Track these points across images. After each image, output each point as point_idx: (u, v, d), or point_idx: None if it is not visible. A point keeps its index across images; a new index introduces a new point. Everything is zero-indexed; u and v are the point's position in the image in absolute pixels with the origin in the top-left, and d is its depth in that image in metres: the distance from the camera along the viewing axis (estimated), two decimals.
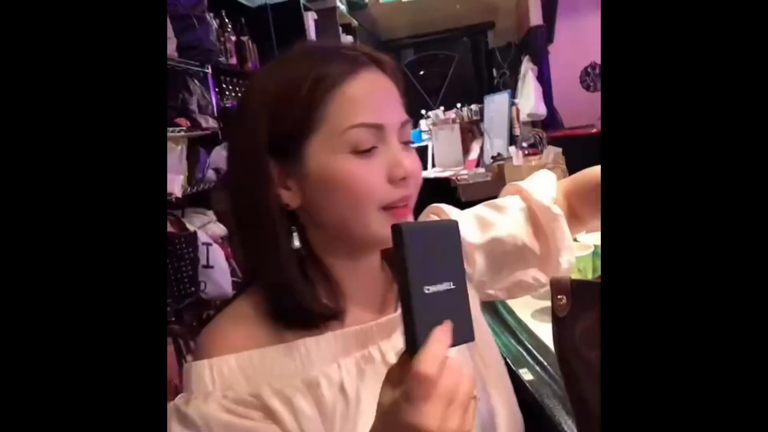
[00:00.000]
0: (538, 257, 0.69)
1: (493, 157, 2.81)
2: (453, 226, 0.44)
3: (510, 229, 0.69)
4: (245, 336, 0.55)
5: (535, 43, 3.87)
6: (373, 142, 0.54)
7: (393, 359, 0.57)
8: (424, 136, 3.53)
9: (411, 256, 0.40)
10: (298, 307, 0.55)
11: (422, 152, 3.53)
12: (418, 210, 0.68)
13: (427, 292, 0.41)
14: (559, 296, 0.49)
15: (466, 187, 2.87)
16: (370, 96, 0.54)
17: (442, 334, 0.41)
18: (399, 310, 0.42)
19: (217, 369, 0.53)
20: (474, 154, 3.23)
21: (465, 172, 3.06)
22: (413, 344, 0.40)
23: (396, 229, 0.41)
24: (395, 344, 0.59)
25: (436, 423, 0.39)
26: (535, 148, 1.96)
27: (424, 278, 0.41)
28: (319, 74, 0.53)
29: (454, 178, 3.00)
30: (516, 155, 1.70)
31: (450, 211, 0.74)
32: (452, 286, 0.42)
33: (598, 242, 1.00)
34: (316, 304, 0.55)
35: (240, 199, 0.57)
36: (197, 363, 0.53)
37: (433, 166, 3.45)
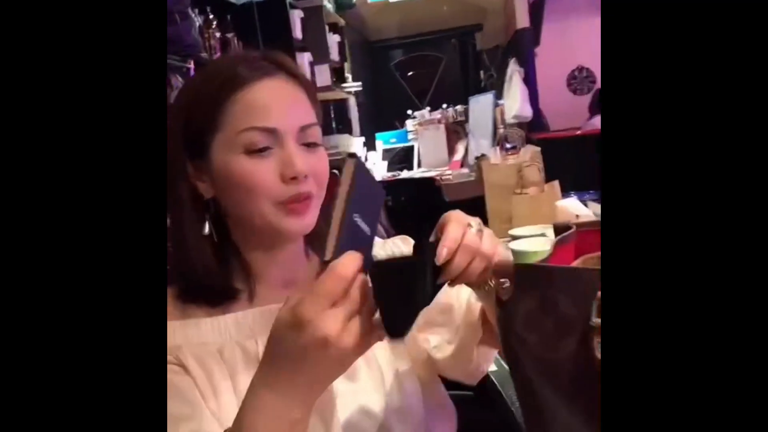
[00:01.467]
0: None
1: (477, 158, 2.82)
2: (381, 195, 0.52)
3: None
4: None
5: (522, 46, 3.89)
6: (267, 143, 0.59)
7: None
8: (410, 136, 3.54)
9: (356, 186, 0.46)
10: (198, 286, 0.61)
11: (408, 152, 3.54)
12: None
13: (354, 219, 0.46)
14: (502, 280, 0.49)
15: (450, 187, 2.89)
16: (267, 102, 0.60)
17: (355, 255, 0.45)
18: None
19: None
20: (459, 155, 3.25)
21: (449, 172, 3.07)
22: (335, 252, 0.45)
23: (350, 162, 0.46)
24: None
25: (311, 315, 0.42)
26: (514, 148, 1.97)
27: (356, 208, 0.46)
28: (224, 80, 0.60)
29: (438, 178, 3.02)
30: (494, 154, 1.71)
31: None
32: (369, 232, 0.48)
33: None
34: (217, 285, 0.62)
35: (167, 190, 0.63)
36: None
37: (419, 166, 3.46)
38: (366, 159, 3.54)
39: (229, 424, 0.47)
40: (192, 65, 2.14)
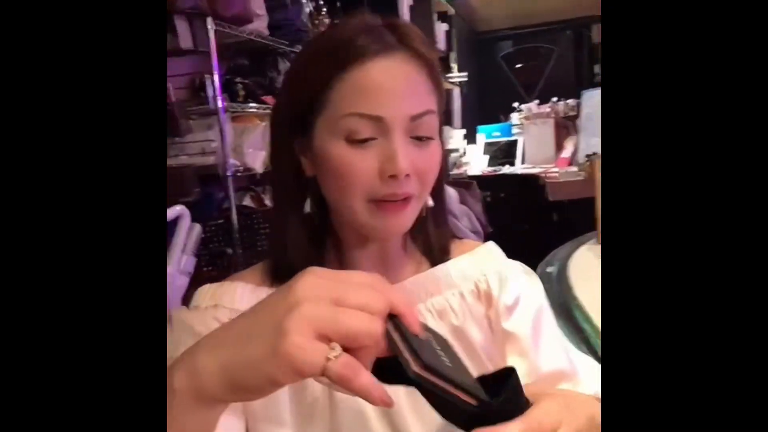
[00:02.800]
0: None
1: (587, 156, 2.64)
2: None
3: None
4: (248, 279, 0.61)
5: None
6: (371, 133, 0.53)
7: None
8: (515, 130, 3.39)
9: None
10: (288, 263, 0.58)
11: (511, 147, 3.40)
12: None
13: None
14: None
15: (555, 186, 2.73)
16: (377, 86, 0.52)
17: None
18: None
19: (217, 288, 0.59)
20: (567, 152, 3.06)
21: (556, 169, 2.90)
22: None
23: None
24: None
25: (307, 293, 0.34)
26: None
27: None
28: (336, 54, 0.53)
29: (543, 175, 2.86)
30: None
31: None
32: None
33: None
34: (307, 264, 0.53)
35: (272, 168, 0.63)
36: (205, 285, 0.60)
37: (523, 162, 3.31)
38: (464, 152, 3.45)
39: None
40: (310, 38, 2.17)
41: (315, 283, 0.35)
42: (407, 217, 0.55)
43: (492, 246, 0.67)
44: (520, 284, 0.63)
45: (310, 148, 0.56)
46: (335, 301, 0.34)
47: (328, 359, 0.32)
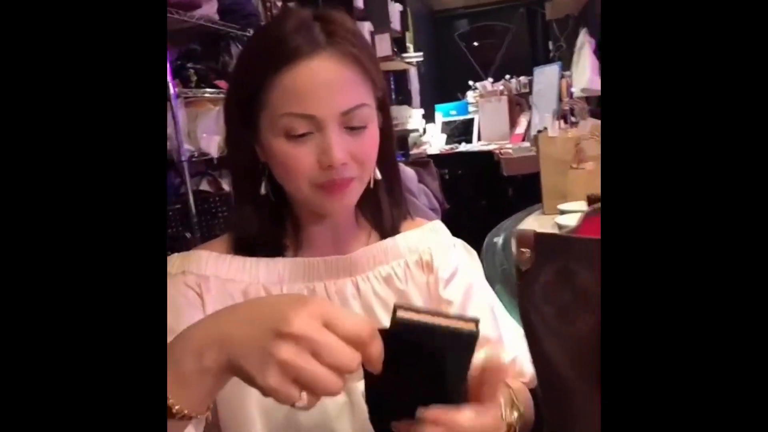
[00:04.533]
0: None
1: (538, 131, 2.73)
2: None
3: None
4: (213, 248, 0.66)
5: (594, 15, 3.68)
6: (306, 129, 0.58)
7: (336, 299, 0.64)
8: (471, 108, 3.46)
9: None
10: (249, 239, 0.64)
11: (468, 125, 3.47)
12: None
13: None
14: (522, 249, 0.47)
15: (509, 161, 2.82)
16: (307, 87, 0.57)
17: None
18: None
19: (184, 257, 0.64)
20: (521, 128, 3.15)
21: (510, 146, 2.99)
22: None
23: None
24: (340, 287, 0.65)
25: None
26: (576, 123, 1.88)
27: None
28: (269, 56, 0.58)
29: (498, 151, 2.95)
30: (552, 126, 1.65)
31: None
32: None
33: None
34: (267, 239, 0.64)
35: (227, 153, 0.69)
36: (173, 255, 0.65)
37: (479, 139, 3.39)
38: (424, 131, 3.50)
39: None
40: (251, 34, 2.18)
41: (304, 329, 0.38)
42: (350, 196, 0.61)
43: (438, 224, 0.74)
44: (458, 259, 0.70)
45: (257, 139, 0.61)
46: (316, 353, 0.38)
47: (295, 406, 0.39)
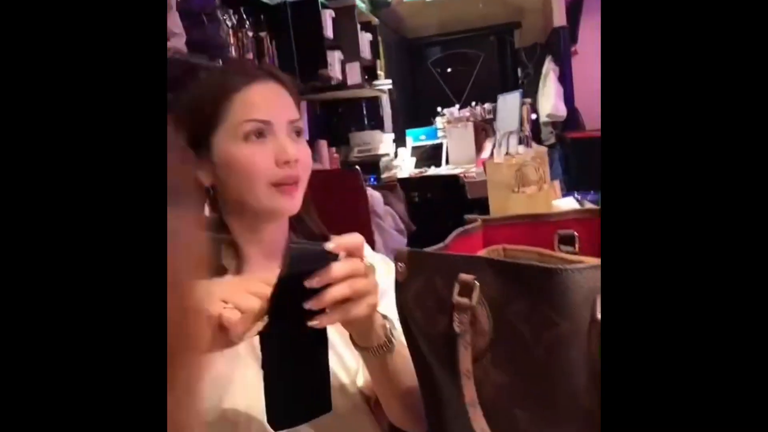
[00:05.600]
0: None
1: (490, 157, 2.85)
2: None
3: None
4: None
5: (558, 44, 3.86)
6: (263, 133, 0.71)
7: None
8: (440, 133, 3.58)
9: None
10: None
11: (437, 149, 3.59)
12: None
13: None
14: (399, 264, 0.56)
15: (472, 185, 2.93)
16: (261, 100, 0.73)
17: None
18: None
19: None
20: (486, 153, 3.27)
21: (474, 170, 3.11)
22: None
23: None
24: None
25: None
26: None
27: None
28: (224, 84, 0.73)
29: (462, 175, 3.06)
30: (498, 153, 1.76)
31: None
32: None
33: None
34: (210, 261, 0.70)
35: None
36: None
37: (447, 163, 3.51)
38: (395, 156, 3.61)
39: None
40: (221, 63, 2.27)
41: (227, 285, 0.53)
42: (298, 196, 0.73)
43: (357, 236, 0.84)
44: (382, 276, 0.79)
45: (209, 159, 0.72)
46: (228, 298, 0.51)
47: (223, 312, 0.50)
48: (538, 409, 0.46)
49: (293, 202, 0.72)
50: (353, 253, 0.55)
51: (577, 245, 0.59)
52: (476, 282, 0.48)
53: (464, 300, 0.48)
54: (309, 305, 0.51)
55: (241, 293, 0.51)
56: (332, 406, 0.56)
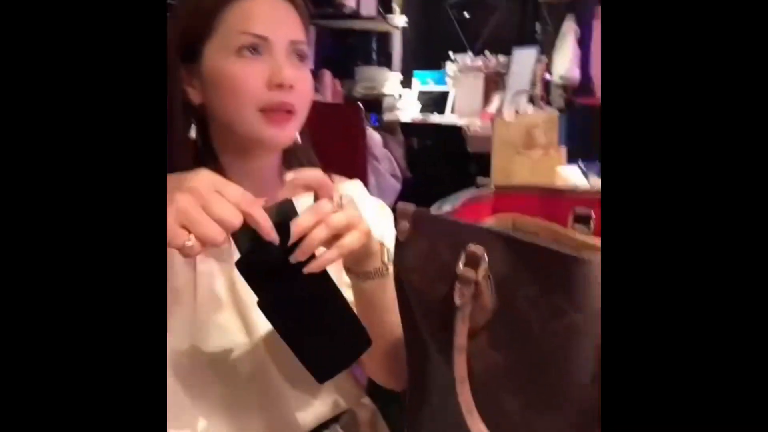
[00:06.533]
0: None
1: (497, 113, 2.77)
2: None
3: None
4: None
5: (583, 3, 3.69)
6: (258, 50, 0.63)
7: None
8: (448, 80, 3.47)
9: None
10: None
11: (442, 96, 3.48)
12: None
13: None
14: (402, 222, 0.52)
15: (474, 139, 2.86)
16: (262, 12, 0.64)
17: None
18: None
19: None
20: (493, 106, 3.18)
21: (478, 123, 3.02)
22: None
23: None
24: None
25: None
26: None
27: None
28: None
29: (465, 127, 2.98)
30: (508, 111, 1.69)
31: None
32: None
33: None
34: None
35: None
36: None
37: (452, 112, 3.41)
38: (400, 97, 3.51)
39: None
40: None
41: (198, 185, 0.47)
42: (290, 128, 0.65)
43: (358, 183, 0.79)
44: (368, 214, 0.75)
45: (198, 74, 0.65)
46: (204, 206, 0.47)
47: (184, 244, 0.46)
48: (532, 396, 0.44)
49: (284, 134, 0.64)
50: (318, 192, 0.53)
51: (592, 225, 0.56)
52: (485, 255, 0.44)
53: (470, 272, 0.45)
54: (294, 259, 0.50)
55: (205, 219, 0.47)
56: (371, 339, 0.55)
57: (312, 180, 0.53)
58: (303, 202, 0.72)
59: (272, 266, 0.50)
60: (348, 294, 0.58)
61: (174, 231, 0.46)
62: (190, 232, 0.46)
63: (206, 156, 0.68)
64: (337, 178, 0.77)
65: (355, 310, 0.56)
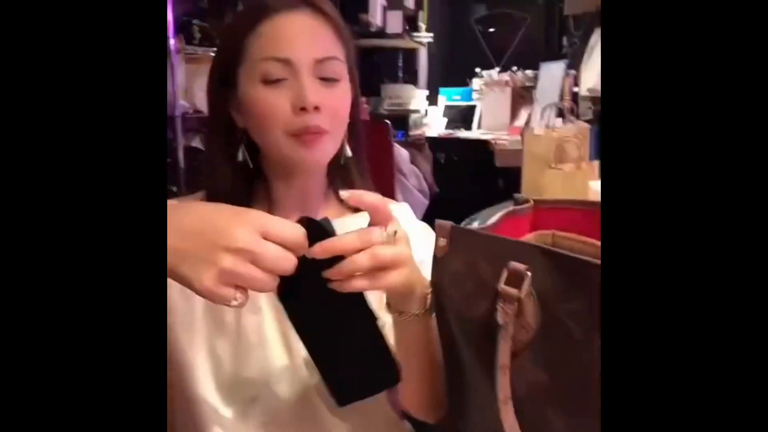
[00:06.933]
0: None
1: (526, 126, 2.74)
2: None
3: None
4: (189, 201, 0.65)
5: None
6: (282, 74, 0.62)
7: None
8: (475, 95, 3.47)
9: None
10: (220, 196, 0.65)
11: (469, 111, 3.48)
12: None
13: None
14: (440, 239, 0.52)
15: (502, 153, 2.84)
16: (285, 34, 0.63)
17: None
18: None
19: None
20: (521, 121, 3.16)
21: (506, 137, 3.01)
22: None
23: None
24: None
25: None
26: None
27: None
28: (250, 12, 0.64)
29: (493, 141, 2.97)
30: (538, 124, 1.68)
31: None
32: None
33: None
34: (236, 198, 0.65)
35: (208, 115, 0.71)
36: None
37: (479, 127, 3.40)
38: (426, 113, 3.52)
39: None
40: None
41: (247, 239, 0.43)
42: (323, 149, 0.64)
43: (404, 207, 0.79)
44: (421, 245, 0.74)
45: (237, 98, 0.65)
46: (255, 262, 0.43)
47: (230, 303, 0.43)
48: (576, 415, 0.42)
49: (315, 155, 0.63)
50: (374, 217, 0.49)
51: None
52: (528, 272, 0.44)
53: (512, 290, 0.44)
54: (327, 273, 0.46)
55: (258, 274, 0.43)
56: (400, 376, 0.51)
57: (367, 202, 0.49)
58: (357, 222, 0.69)
59: (304, 278, 0.47)
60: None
61: (217, 289, 0.42)
62: (236, 288, 0.43)
63: (257, 177, 0.69)
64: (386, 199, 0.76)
65: (393, 343, 0.54)
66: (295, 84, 0.62)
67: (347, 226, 0.68)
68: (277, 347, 0.66)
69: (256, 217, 0.44)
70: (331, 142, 0.65)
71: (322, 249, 0.45)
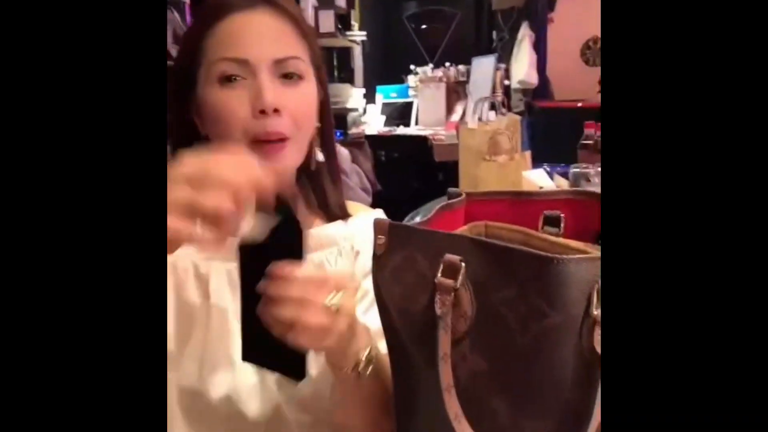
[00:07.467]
0: None
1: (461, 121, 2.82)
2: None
3: None
4: None
5: (535, 9, 3.79)
6: (239, 73, 0.59)
7: None
8: (411, 92, 3.51)
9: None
10: None
11: (407, 108, 3.52)
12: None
13: None
14: (379, 236, 0.53)
15: (440, 148, 2.90)
16: (241, 33, 0.59)
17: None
18: None
19: None
20: (456, 116, 3.24)
21: (443, 132, 3.07)
22: None
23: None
24: None
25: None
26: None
27: None
28: (206, 13, 0.62)
29: (431, 137, 3.03)
30: (471, 118, 1.72)
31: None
32: None
33: None
34: None
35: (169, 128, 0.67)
36: None
37: (417, 123, 3.45)
38: (364, 111, 3.53)
39: None
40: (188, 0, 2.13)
41: (184, 167, 0.42)
42: (286, 158, 0.60)
43: (379, 213, 0.74)
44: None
45: (196, 102, 0.61)
46: (198, 183, 0.41)
47: (192, 234, 0.41)
48: (516, 399, 0.44)
49: (279, 165, 0.59)
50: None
51: (562, 227, 0.57)
52: (462, 264, 0.45)
53: (448, 281, 0.45)
54: (258, 287, 0.47)
55: (207, 192, 0.41)
56: (305, 375, 0.51)
57: (327, 279, 0.50)
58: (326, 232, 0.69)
59: (260, 263, 0.48)
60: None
61: (178, 225, 0.40)
62: (195, 219, 0.41)
63: None
64: (354, 204, 0.74)
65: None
66: (253, 84, 0.58)
67: (317, 237, 0.66)
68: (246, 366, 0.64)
69: (197, 156, 0.44)
70: (296, 150, 0.61)
71: (276, 269, 0.47)
